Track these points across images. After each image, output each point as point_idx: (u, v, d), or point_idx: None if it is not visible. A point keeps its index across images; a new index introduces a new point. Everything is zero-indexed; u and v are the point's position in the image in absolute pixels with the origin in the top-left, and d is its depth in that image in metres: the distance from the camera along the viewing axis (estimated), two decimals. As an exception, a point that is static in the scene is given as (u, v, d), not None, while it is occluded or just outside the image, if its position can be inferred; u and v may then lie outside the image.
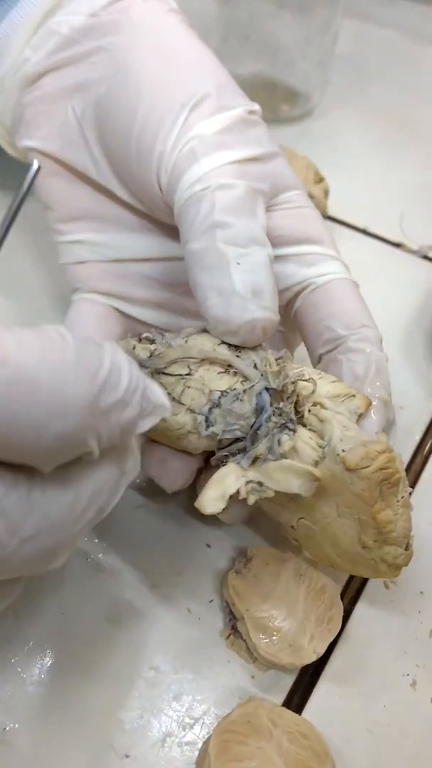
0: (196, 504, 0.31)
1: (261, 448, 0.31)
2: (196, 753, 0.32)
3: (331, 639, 0.34)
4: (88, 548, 0.37)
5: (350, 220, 0.57)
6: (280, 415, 0.31)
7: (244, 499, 0.31)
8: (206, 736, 0.32)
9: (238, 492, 0.31)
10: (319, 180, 0.52)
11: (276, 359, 0.32)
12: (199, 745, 0.32)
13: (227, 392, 0.32)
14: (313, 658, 0.34)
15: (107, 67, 0.37)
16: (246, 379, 0.32)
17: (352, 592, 0.38)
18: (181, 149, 0.34)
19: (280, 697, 0.35)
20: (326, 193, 0.52)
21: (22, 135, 0.40)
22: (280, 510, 0.34)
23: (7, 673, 0.33)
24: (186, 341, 0.33)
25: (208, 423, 0.32)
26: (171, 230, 0.39)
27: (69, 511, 0.24)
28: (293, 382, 0.32)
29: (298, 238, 0.37)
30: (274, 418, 0.31)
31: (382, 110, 0.67)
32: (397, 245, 0.55)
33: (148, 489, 0.39)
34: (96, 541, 0.37)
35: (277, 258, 0.36)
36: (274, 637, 0.34)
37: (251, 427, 0.31)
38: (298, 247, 0.37)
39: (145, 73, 0.36)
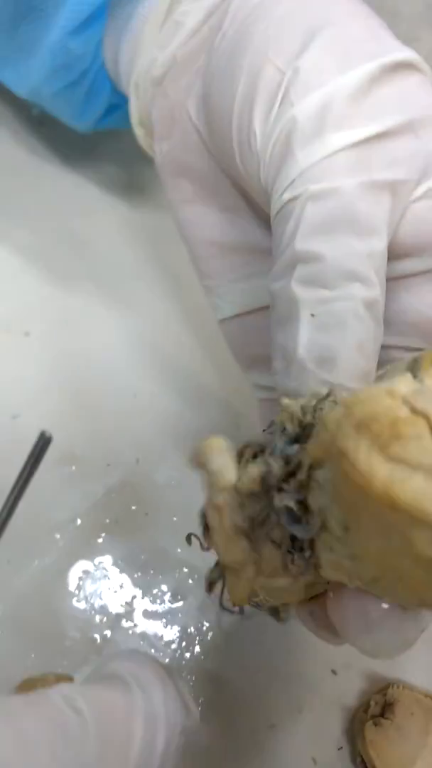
0: None
1: None
2: None
3: None
4: (194, 673, 0.31)
5: None
6: None
7: None
8: None
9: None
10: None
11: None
12: None
13: None
14: None
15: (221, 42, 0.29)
16: None
17: None
18: (276, 136, 0.25)
19: None
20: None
21: (156, 140, 0.33)
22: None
23: None
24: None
25: None
26: None
27: None
28: None
29: None
30: None
31: None
32: None
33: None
34: (195, 663, 0.32)
35: (426, 275, 0.26)
36: None
37: None
38: None
39: (260, 24, 0.27)
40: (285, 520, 0.20)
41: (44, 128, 0.44)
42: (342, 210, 0.24)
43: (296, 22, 0.26)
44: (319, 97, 0.24)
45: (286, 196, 0.24)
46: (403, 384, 0.17)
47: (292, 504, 0.20)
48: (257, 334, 0.30)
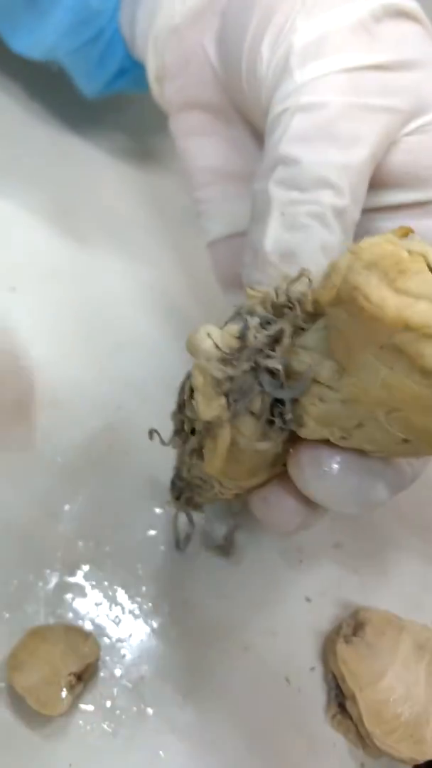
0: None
1: None
2: None
3: (460, 729, 0.29)
4: (171, 601, 0.32)
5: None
6: None
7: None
8: None
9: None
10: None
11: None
12: None
13: None
14: (438, 752, 0.29)
15: None
16: None
17: None
18: (278, 57, 0.27)
19: (395, 791, 0.29)
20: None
21: (168, 79, 0.34)
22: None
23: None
24: None
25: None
26: None
27: None
28: None
29: None
30: None
31: None
32: None
33: (236, 534, 0.34)
34: (171, 589, 0.32)
35: (423, 206, 0.28)
36: (392, 725, 0.29)
37: None
38: None
39: None
40: (269, 386, 0.21)
41: (51, 95, 0.46)
42: (327, 122, 0.26)
43: None
44: (321, 24, 0.27)
45: (280, 107, 0.26)
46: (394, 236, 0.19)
47: (279, 366, 0.21)
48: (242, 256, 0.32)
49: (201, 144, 0.33)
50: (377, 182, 0.27)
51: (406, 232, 0.21)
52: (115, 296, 0.41)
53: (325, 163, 0.25)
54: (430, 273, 0.17)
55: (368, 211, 0.28)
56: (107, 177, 0.45)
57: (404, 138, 0.27)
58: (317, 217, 0.25)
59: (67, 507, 0.33)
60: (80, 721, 0.29)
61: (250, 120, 0.31)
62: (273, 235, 0.25)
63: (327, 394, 0.20)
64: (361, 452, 0.22)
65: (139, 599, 0.32)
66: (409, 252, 0.18)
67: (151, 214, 0.45)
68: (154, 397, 0.37)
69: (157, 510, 0.34)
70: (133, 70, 0.39)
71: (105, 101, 0.43)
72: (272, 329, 0.21)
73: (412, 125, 0.27)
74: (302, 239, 0.24)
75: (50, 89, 0.46)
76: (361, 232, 0.28)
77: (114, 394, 0.37)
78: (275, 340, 0.21)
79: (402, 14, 0.28)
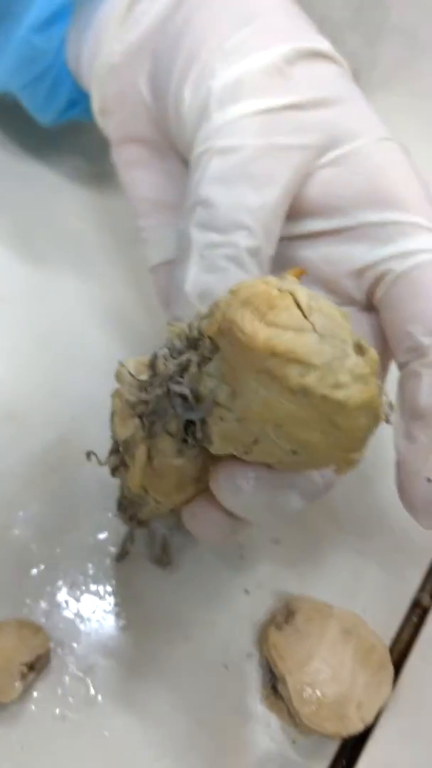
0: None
1: None
2: None
3: (380, 705, 0.32)
4: (119, 596, 0.35)
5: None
6: None
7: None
8: None
9: None
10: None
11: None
12: None
13: None
14: (360, 727, 0.31)
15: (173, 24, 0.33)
16: None
17: (402, 646, 0.35)
18: (199, 101, 0.29)
19: (324, 764, 0.32)
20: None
21: (108, 114, 0.37)
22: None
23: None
24: None
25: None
26: None
27: None
28: None
29: (368, 200, 0.28)
30: None
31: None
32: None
33: (180, 529, 0.37)
34: (119, 586, 0.35)
35: (338, 233, 0.29)
36: (318, 704, 0.31)
37: None
38: (369, 215, 0.28)
39: (203, 12, 0.31)
40: (180, 408, 0.24)
41: (8, 121, 0.49)
42: (242, 164, 0.28)
43: (231, 12, 0.31)
44: (238, 69, 0.29)
45: (200, 149, 0.29)
46: (272, 277, 0.22)
47: (187, 391, 0.24)
48: None
49: (139, 176, 0.36)
50: (296, 212, 0.30)
51: (298, 273, 0.23)
52: (70, 314, 0.43)
53: (240, 205, 0.27)
54: (296, 308, 0.20)
55: (288, 239, 0.31)
56: (63, 199, 0.48)
57: (319, 170, 0.30)
58: (233, 259, 0.27)
59: (21, 513, 0.36)
60: (32, 707, 0.31)
61: (181, 154, 0.34)
62: (192, 277, 0.27)
63: (225, 414, 0.23)
64: (272, 467, 0.24)
65: (89, 596, 0.34)
66: (280, 290, 0.21)
67: (105, 235, 0.47)
68: (107, 410, 0.39)
69: (109, 514, 0.37)
70: (84, 100, 0.42)
71: (61, 127, 0.46)
72: (181, 359, 0.24)
73: (327, 158, 0.30)
74: (219, 280, 0.27)
75: (7, 116, 0.49)
76: (282, 259, 0.31)
77: (68, 407, 0.40)
78: (184, 368, 0.24)
79: (316, 55, 0.31)
